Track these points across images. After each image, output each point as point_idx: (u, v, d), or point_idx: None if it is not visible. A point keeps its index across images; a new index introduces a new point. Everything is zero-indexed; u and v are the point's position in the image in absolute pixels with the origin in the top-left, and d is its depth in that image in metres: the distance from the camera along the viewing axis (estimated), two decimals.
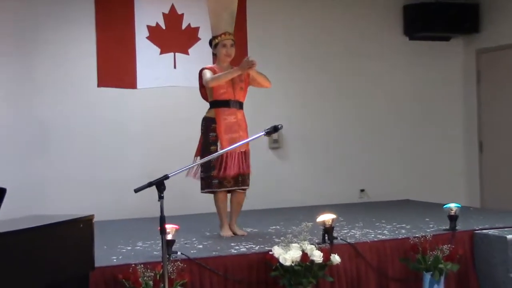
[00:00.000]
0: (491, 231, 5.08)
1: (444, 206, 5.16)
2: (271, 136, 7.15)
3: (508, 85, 7.88)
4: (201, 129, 5.37)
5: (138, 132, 7.11)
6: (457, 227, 5.10)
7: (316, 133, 7.81)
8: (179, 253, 4.34)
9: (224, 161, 5.17)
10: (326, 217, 4.69)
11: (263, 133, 4.08)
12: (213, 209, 5.44)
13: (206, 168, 5.25)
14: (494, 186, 8.07)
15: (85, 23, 6.94)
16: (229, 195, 5.40)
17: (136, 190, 3.52)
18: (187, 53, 7.26)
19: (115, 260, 4.32)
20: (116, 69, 7.02)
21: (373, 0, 8.06)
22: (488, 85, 8.18)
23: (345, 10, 7.94)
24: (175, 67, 7.23)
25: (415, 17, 8.04)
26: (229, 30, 5.37)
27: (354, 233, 5.18)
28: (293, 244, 4.38)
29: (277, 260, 4.30)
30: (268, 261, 4.39)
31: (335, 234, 4.76)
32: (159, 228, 3.52)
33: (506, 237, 4.88)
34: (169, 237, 4.17)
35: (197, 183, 5.35)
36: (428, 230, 5.15)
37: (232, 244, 4.84)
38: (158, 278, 3.97)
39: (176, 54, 7.24)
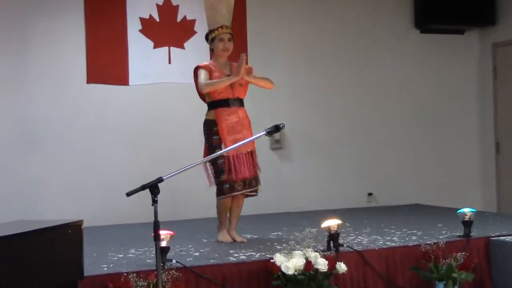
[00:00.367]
0: (508, 238, 5.06)
1: (458, 211, 5.16)
2: (273, 136, 7.16)
3: None
4: (204, 133, 5.38)
5: (130, 132, 7.10)
6: (472, 234, 5.09)
7: (320, 133, 7.80)
8: (174, 261, 4.33)
9: (232, 164, 5.20)
10: (332, 223, 4.69)
11: (264, 132, 4.09)
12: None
13: (216, 174, 5.29)
14: None
15: (73, 16, 6.92)
16: None
17: (129, 194, 3.52)
18: (182, 48, 7.25)
19: (105, 269, 4.32)
20: (107, 65, 7.01)
21: None
22: (505, 81, 8.17)
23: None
24: (170, 62, 7.22)
25: (426, 9, 8.01)
26: (226, 23, 5.38)
27: (361, 239, 5.17)
28: (296, 252, 4.38)
29: (279, 268, 4.30)
30: (269, 270, 4.38)
31: (341, 241, 4.75)
32: (153, 234, 3.53)
33: None
34: (163, 243, 4.16)
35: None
36: (441, 237, 5.15)
37: (231, 251, 4.84)
38: None
39: (171, 48, 7.23)
